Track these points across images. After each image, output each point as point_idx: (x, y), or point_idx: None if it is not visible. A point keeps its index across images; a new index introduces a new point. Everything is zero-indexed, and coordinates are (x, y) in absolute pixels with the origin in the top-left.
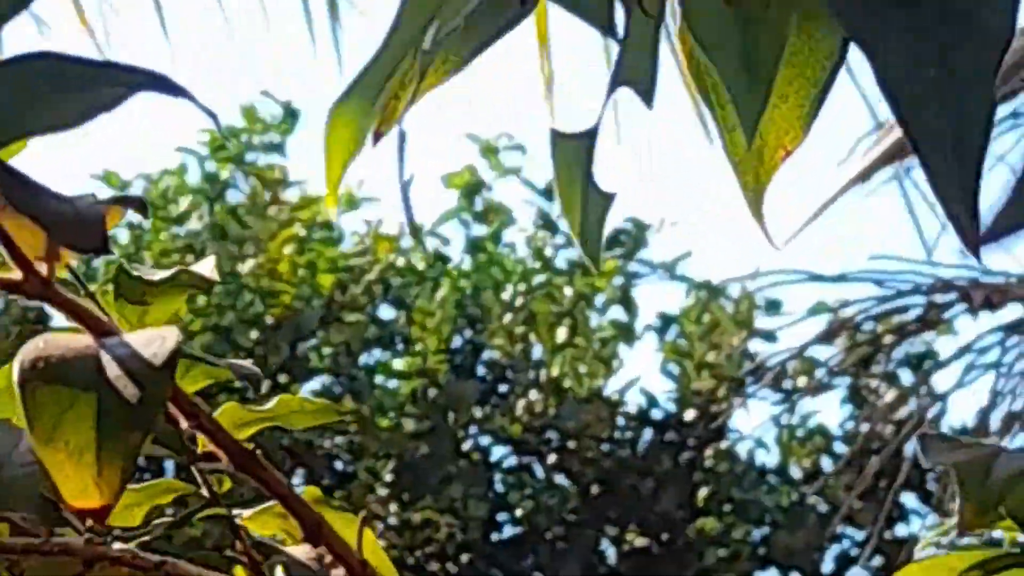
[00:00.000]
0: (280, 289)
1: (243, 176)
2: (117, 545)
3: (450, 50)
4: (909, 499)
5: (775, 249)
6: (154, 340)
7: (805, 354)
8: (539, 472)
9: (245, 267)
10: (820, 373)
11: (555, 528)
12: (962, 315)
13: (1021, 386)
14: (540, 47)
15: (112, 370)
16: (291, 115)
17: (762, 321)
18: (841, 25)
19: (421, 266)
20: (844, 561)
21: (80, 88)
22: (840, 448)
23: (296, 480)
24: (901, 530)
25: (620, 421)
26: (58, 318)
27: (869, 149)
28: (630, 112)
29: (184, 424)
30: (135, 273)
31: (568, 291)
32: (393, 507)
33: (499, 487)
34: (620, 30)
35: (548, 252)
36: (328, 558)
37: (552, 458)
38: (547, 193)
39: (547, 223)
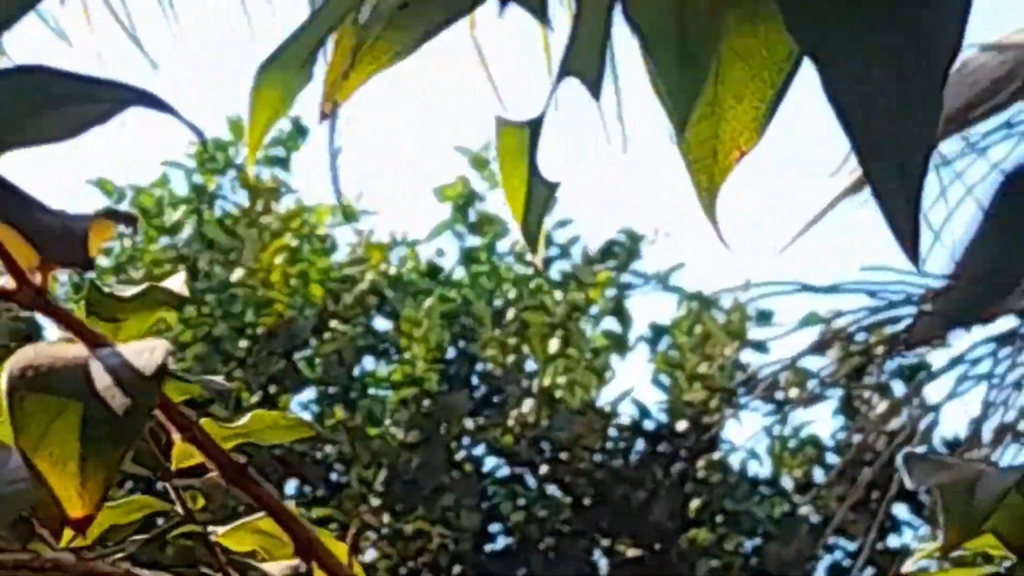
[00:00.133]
0: (272, 298)
1: (234, 186)
2: (106, 561)
3: (398, 30)
4: (901, 510)
5: (730, 247)
6: (145, 351)
7: (797, 365)
8: (531, 483)
9: (234, 276)
10: (812, 384)
11: (547, 539)
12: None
13: (1013, 397)
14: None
15: (100, 380)
16: (299, 131)
17: (754, 332)
18: (792, 37)
19: (413, 276)
20: (836, 572)
21: (73, 102)
22: (832, 459)
23: (288, 490)
24: (893, 541)
25: (612, 432)
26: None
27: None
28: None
29: (176, 436)
30: (107, 290)
31: (560, 301)
32: (385, 517)
33: (491, 498)
34: (569, 22)
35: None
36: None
37: (544, 469)
38: None
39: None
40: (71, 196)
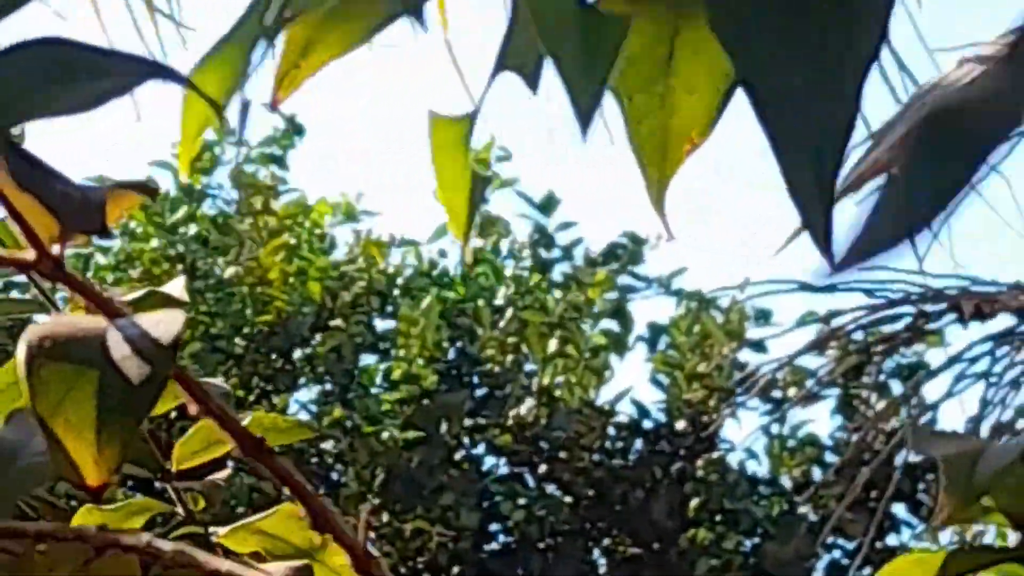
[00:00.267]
0: (270, 296)
1: (222, 186)
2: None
3: (349, 21)
4: (900, 509)
5: (670, 240)
6: (161, 321)
7: (795, 364)
8: (531, 482)
9: (228, 273)
10: (810, 383)
11: (547, 538)
12: (952, 325)
13: (1010, 396)
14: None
15: (117, 349)
16: (295, 129)
17: (752, 331)
18: (710, 25)
19: (413, 276)
20: (834, 571)
21: (90, 75)
22: (831, 458)
23: (285, 489)
24: (892, 540)
25: (611, 431)
26: None
27: (860, 159)
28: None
29: (193, 409)
30: (106, 294)
31: (559, 300)
32: (384, 516)
33: (491, 497)
34: (507, 16)
35: (538, 263)
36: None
37: (543, 468)
38: (544, 208)
39: (543, 236)
40: None
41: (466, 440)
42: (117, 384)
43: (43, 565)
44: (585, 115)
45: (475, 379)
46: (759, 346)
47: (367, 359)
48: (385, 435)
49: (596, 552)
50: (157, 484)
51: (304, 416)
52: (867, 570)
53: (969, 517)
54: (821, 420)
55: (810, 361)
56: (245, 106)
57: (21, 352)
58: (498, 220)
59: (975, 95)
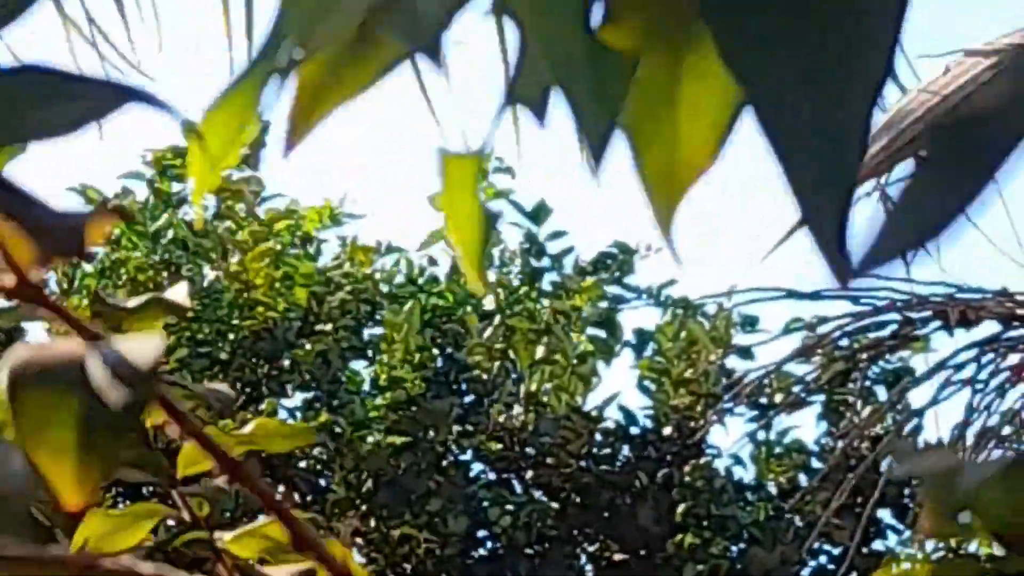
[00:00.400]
0: (256, 301)
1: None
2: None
3: (361, 63)
4: (885, 515)
5: (685, 265)
6: (140, 346)
7: (782, 370)
8: (518, 488)
9: (211, 278)
10: (796, 390)
11: (534, 543)
12: (938, 332)
13: (996, 402)
14: None
15: (97, 374)
16: (262, 127)
17: (739, 338)
18: (722, 59)
19: (400, 282)
20: None
21: (66, 100)
22: (816, 464)
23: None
24: (878, 545)
25: (598, 437)
26: None
27: None
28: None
29: (172, 430)
30: (110, 301)
31: (546, 307)
32: (372, 522)
33: (478, 502)
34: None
35: (528, 270)
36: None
37: (531, 474)
38: (535, 216)
39: (534, 244)
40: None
41: (453, 446)
42: (98, 410)
43: None
44: (598, 149)
45: (463, 385)
46: (746, 352)
47: (354, 365)
48: (371, 440)
49: (583, 558)
50: (146, 490)
51: (291, 422)
52: (853, 575)
53: (950, 532)
54: (807, 426)
55: (796, 367)
56: (261, 145)
57: (4, 378)
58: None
59: (991, 100)
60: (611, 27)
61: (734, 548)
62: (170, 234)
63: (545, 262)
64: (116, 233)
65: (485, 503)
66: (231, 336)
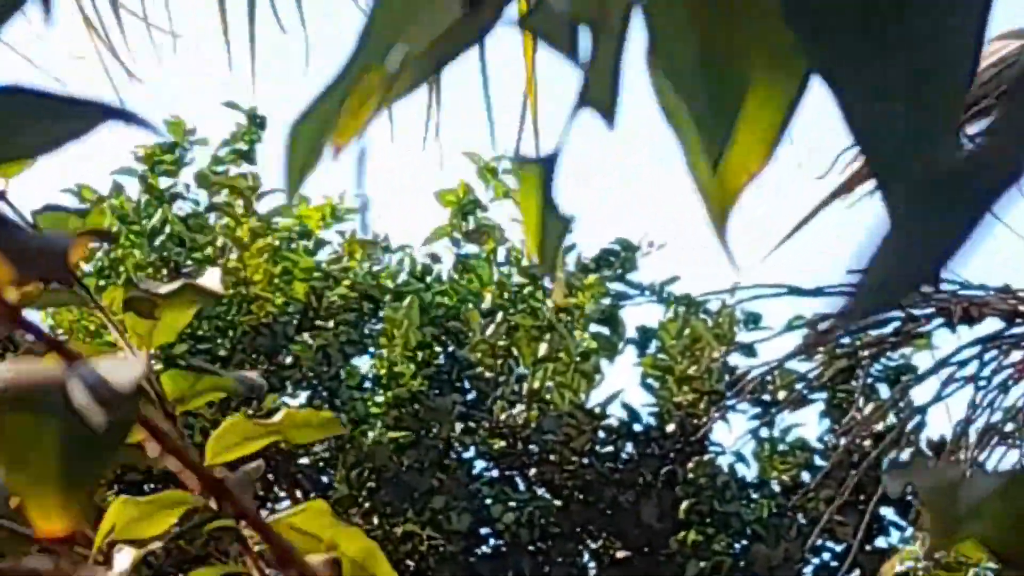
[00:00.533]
0: (255, 297)
1: (196, 186)
2: (94, 568)
3: (411, 67)
4: (888, 512)
5: (740, 268)
6: (121, 367)
7: (785, 367)
8: (521, 485)
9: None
10: (799, 387)
11: (537, 541)
12: (941, 329)
13: (999, 399)
14: (528, 83)
15: (78, 397)
16: (256, 122)
17: (742, 335)
18: (808, 60)
19: (403, 278)
20: (824, 573)
21: (49, 119)
22: (819, 462)
23: (277, 492)
24: (881, 543)
25: (602, 434)
26: None
27: (850, 163)
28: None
29: (152, 449)
30: (143, 287)
31: (549, 305)
32: (375, 520)
33: (481, 500)
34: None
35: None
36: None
37: (534, 471)
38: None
39: None
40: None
41: (456, 443)
42: (80, 432)
43: None
44: (716, 153)
45: (465, 383)
46: (748, 350)
47: (355, 361)
48: (372, 434)
49: (586, 555)
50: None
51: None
52: (856, 572)
53: (953, 546)
54: (810, 423)
55: (799, 364)
56: (362, 155)
57: None
58: (494, 227)
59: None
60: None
61: (737, 545)
62: (166, 231)
63: None
64: (113, 231)
65: (488, 500)
66: (230, 332)
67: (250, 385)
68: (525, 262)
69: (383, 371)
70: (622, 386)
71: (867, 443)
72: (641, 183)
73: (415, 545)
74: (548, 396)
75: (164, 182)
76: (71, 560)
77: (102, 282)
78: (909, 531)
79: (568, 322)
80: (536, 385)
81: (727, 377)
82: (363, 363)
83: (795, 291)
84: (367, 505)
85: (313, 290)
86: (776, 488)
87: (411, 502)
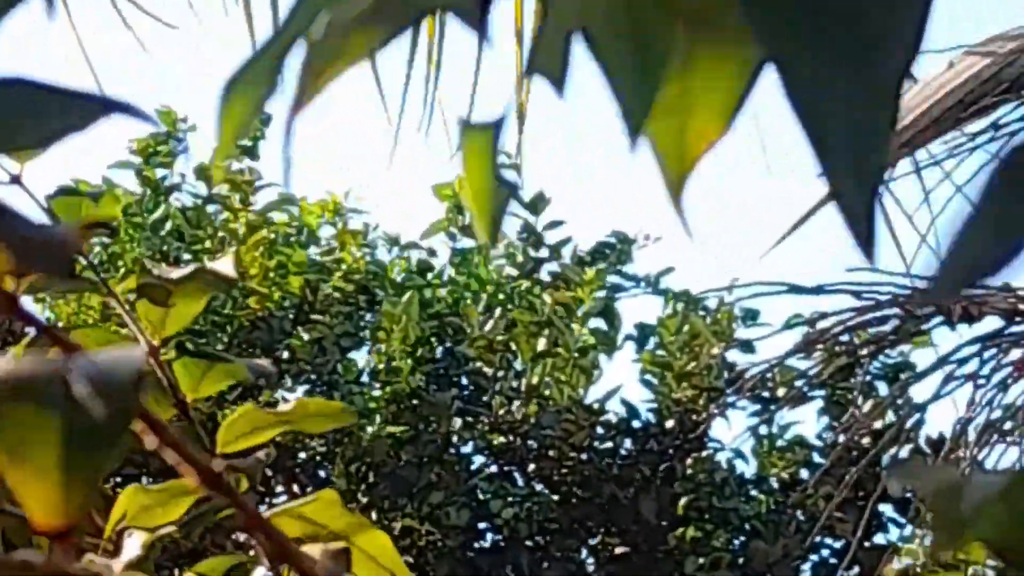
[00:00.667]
0: (251, 291)
1: (195, 179)
2: (83, 561)
3: (365, 31)
4: (887, 509)
5: (696, 238)
6: (122, 359)
7: (784, 365)
8: (520, 480)
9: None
10: (799, 384)
11: (536, 536)
12: (940, 327)
13: (998, 397)
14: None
15: (79, 389)
16: (260, 118)
17: (740, 332)
18: (756, 40)
19: (403, 272)
20: (823, 570)
21: (49, 112)
22: (818, 459)
23: (274, 487)
24: (880, 539)
25: (600, 430)
26: None
27: None
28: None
29: (151, 442)
30: (156, 273)
31: (547, 300)
32: (373, 515)
33: (480, 495)
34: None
35: (529, 261)
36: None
37: (533, 466)
38: (532, 206)
39: (532, 236)
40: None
41: (455, 439)
42: (82, 424)
43: None
44: (636, 121)
45: (464, 378)
46: (747, 346)
47: (353, 355)
48: (371, 429)
49: (585, 551)
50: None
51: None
52: (855, 569)
53: (958, 547)
54: (808, 421)
55: (798, 362)
56: (291, 121)
57: None
58: None
59: None
60: None
61: (736, 541)
62: (167, 226)
63: (543, 252)
64: (113, 226)
65: (487, 496)
66: (228, 327)
67: (260, 372)
68: (520, 258)
69: (381, 366)
70: (621, 382)
71: (866, 440)
72: (639, 176)
73: (413, 540)
74: (547, 392)
75: (160, 173)
76: (67, 553)
77: (103, 276)
78: (908, 528)
79: (565, 318)
80: (535, 381)
81: (726, 374)
82: (361, 358)
83: (794, 289)
84: (365, 500)
85: (308, 283)
86: (775, 485)
87: (409, 497)
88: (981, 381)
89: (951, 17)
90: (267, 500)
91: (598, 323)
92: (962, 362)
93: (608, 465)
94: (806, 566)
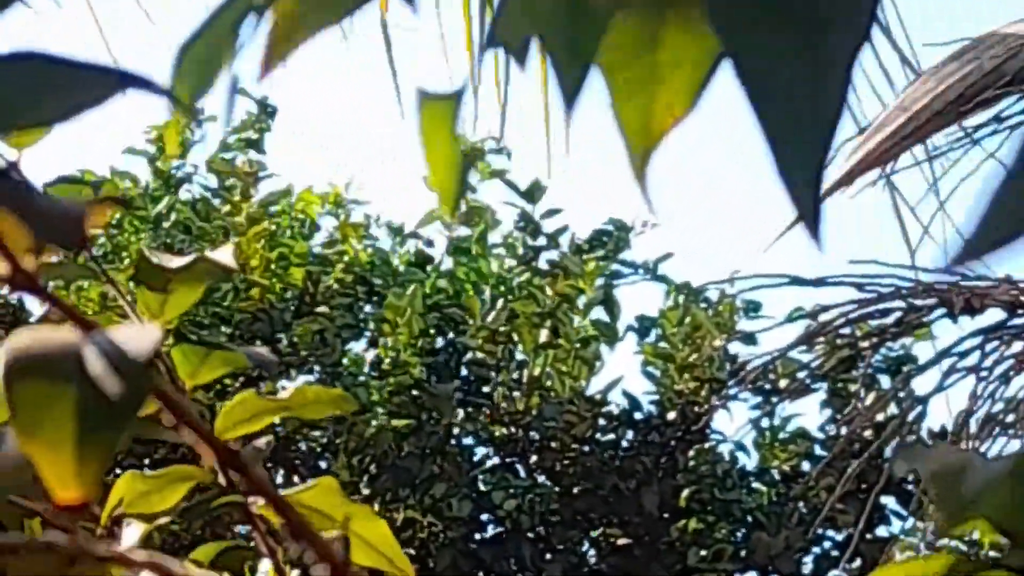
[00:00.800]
0: (252, 283)
1: (198, 170)
2: (102, 545)
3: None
4: (890, 501)
5: (659, 214)
6: (136, 336)
7: (786, 357)
8: (522, 472)
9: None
10: (801, 376)
11: (538, 527)
12: (942, 319)
13: (1000, 390)
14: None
15: (93, 365)
16: (267, 111)
17: (742, 324)
18: (710, 22)
19: (402, 264)
20: (825, 562)
21: (66, 87)
22: (820, 451)
23: (276, 478)
24: (882, 532)
25: (602, 421)
26: None
27: (852, 153)
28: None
29: (167, 420)
30: (155, 260)
31: (548, 292)
32: (375, 507)
33: (482, 487)
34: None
35: (528, 251)
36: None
37: (535, 458)
38: (529, 195)
39: (529, 224)
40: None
41: (457, 430)
42: (96, 400)
43: None
44: (571, 94)
45: (465, 370)
46: (749, 338)
47: (354, 346)
48: (374, 423)
49: (587, 542)
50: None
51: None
52: (857, 561)
53: (960, 528)
54: (810, 413)
55: (800, 354)
56: (233, 87)
57: (0, 368)
58: (485, 209)
59: None
60: None
61: (738, 533)
62: (172, 218)
63: (541, 241)
64: (117, 217)
65: (489, 487)
66: (230, 319)
67: (259, 360)
68: (521, 249)
69: (385, 358)
70: (623, 373)
71: (868, 433)
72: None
73: (416, 532)
74: (549, 383)
75: (173, 164)
76: (83, 535)
77: (107, 268)
78: (910, 520)
79: (567, 309)
80: (536, 372)
81: (728, 365)
82: (361, 349)
83: (796, 281)
84: (367, 491)
85: (310, 275)
86: (777, 477)
87: (412, 489)
88: (983, 374)
89: (952, 10)
90: None
91: (599, 314)
92: (964, 355)
93: (610, 457)
94: (808, 558)
